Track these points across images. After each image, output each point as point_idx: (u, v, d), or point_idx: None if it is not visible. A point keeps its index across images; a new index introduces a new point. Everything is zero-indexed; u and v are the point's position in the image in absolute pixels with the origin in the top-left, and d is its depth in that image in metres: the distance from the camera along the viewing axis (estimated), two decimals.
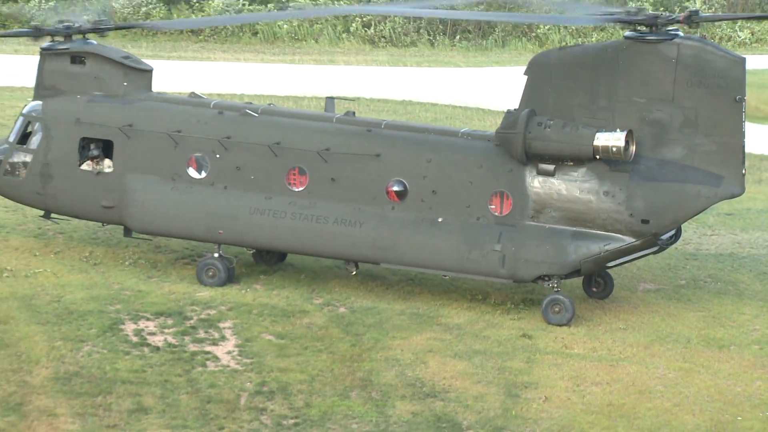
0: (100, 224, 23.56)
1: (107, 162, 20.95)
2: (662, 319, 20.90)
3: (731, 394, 18.06)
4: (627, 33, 18.46)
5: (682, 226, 19.66)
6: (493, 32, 68.29)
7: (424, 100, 50.42)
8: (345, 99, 26.45)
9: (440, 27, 76.00)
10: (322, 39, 69.33)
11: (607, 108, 18.40)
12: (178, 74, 49.45)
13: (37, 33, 21.89)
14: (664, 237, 19.31)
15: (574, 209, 18.50)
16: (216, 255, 21.43)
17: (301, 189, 19.93)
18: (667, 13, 18.51)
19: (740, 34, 68.30)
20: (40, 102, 21.59)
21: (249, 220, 20.56)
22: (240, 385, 17.67)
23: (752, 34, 68.43)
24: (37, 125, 21.18)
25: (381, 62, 64.44)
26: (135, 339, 19.18)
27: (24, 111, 21.98)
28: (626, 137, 17.27)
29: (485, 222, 19.10)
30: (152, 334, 19.53)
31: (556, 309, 19.29)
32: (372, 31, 69.94)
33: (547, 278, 18.96)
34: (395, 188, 19.47)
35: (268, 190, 20.18)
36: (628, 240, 18.28)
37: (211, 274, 21.35)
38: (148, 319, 20.10)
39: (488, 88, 52.47)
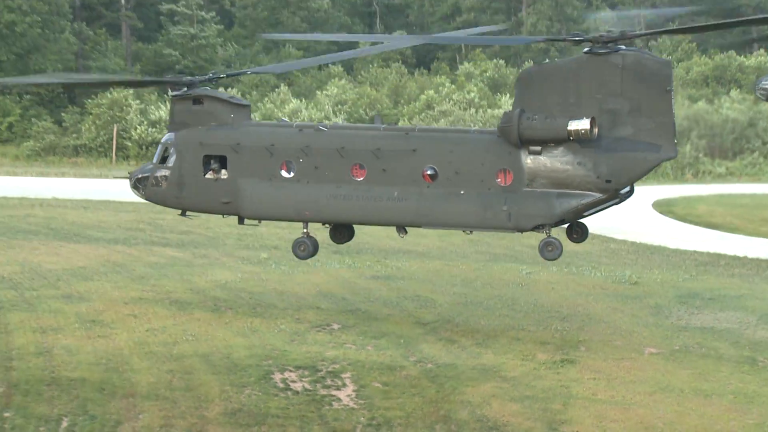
0: (253, 305, 25.27)
1: (223, 171, 23.30)
2: (662, 374, 21.20)
3: (714, 430, 18.23)
4: (585, 50, 20.60)
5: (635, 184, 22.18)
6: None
7: None
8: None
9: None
10: None
11: (575, 103, 20.37)
12: None
13: (172, 82, 24.69)
14: (622, 192, 21.37)
15: (557, 177, 21.07)
16: (304, 232, 23.21)
17: (361, 179, 21.95)
18: (606, 33, 20.92)
19: (718, 169, 63.64)
20: (173, 133, 24.00)
21: (326, 203, 22.39)
22: (356, 419, 18.30)
23: (727, 168, 64.03)
24: (171, 149, 23.56)
25: None
26: (281, 385, 19.76)
27: (162, 140, 24.30)
28: (590, 122, 19.57)
29: (494, 191, 21.27)
30: (293, 381, 20.05)
31: (549, 249, 21.12)
32: None
33: (541, 227, 21.34)
34: (429, 172, 21.54)
35: (339, 181, 22.02)
36: (597, 195, 20.69)
37: (302, 249, 23.18)
38: (290, 371, 20.56)
39: None
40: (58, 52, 75.59)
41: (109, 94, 68.93)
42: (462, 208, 21.42)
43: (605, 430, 18.63)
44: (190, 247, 34.63)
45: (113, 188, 50.18)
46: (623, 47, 20.21)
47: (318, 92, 73.35)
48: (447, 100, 68.02)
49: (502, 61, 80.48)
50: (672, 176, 59.62)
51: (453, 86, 71.64)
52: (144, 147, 67.24)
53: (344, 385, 20.09)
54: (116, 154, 66.67)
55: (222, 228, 38.70)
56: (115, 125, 66.85)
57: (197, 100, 22.96)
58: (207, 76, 24.01)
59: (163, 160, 23.72)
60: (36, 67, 72.88)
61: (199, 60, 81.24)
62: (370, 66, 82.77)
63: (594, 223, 42.77)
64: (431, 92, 69.92)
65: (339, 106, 68.53)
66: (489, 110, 64.89)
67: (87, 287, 27.06)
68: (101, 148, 67.57)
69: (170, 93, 24.37)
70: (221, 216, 25.02)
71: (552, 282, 30.21)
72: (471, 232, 24.82)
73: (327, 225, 24.34)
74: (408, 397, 19.79)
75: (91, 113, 68.79)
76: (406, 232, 23.35)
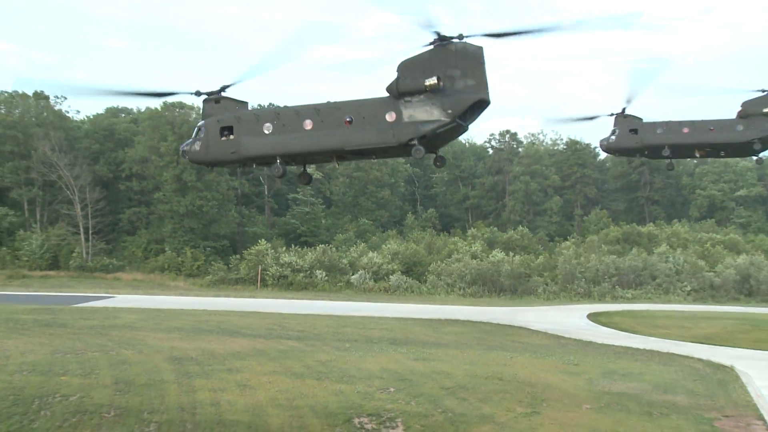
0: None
1: (231, 136, 24.16)
2: (594, 422, 20.84)
3: None
4: (434, 44, 21.18)
5: None
6: None
7: None
8: None
9: None
10: None
11: (430, 71, 20.82)
12: None
13: (197, 94, 25.00)
14: (460, 121, 21.82)
15: (421, 112, 21.47)
16: (278, 163, 23.32)
17: (310, 128, 23.07)
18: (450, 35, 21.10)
19: (627, 295, 61.36)
20: (203, 121, 25.25)
21: (290, 143, 23.69)
22: None
23: (632, 294, 61.89)
24: (203, 129, 24.56)
25: None
26: (358, 426, 19.62)
27: (198, 126, 25.33)
28: (437, 79, 20.62)
29: (385, 125, 22.43)
30: (366, 423, 19.95)
31: (416, 152, 22.18)
32: None
33: (412, 140, 22.18)
34: (348, 119, 22.90)
35: (297, 131, 23.40)
36: (445, 120, 21.87)
37: (277, 171, 24.44)
38: (364, 417, 20.41)
39: None
40: (226, 223, 77.38)
41: (256, 247, 69.94)
42: (367, 135, 22.31)
43: None
44: (303, 339, 34.64)
45: (257, 304, 51.06)
46: (456, 40, 20.99)
47: (383, 245, 73.78)
48: (460, 251, 68.25)
49: (495, 228, 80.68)
50: (598, 299, 58.90)
51: (464, 243, 72.01)
52: (277, 278, 67.09)
53: (397, 426, 19.97)
54: (260, 284, 66.70)
55: (322, 329, 38.99)
56: (259, 266, 67.63)
57: (217, 101, 24.46)
58: (218, 89, 25.29)
59: (197, 134, 24.94)
60: (214, 232, 75.26)
61: (311, 226, 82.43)
62: (413, 230, 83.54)
63: (551, 327, 42.44)
64: (451, 246, 70.38)
65: (394, 255, 68.85)
66: (486, 258, 64.63)
67: (241, 364, 27.22)
68: (251, 279, 67.67)
69: (203, 98, 25.34)
70: (238, 168, 25.76)
71: (525, 363, 29.65)
72: (375, 158, 25.36)
73: (299, 167, 25.07)
74: (438, 429, 19.65)
75: (245, 258, 69.79)
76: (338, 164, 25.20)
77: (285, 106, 24.22)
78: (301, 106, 23.90)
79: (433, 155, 23.31)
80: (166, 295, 57.51)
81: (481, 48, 21.44)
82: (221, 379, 24.27)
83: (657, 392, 25.28)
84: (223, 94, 25.52)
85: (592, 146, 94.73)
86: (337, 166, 22.39)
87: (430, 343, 34.70)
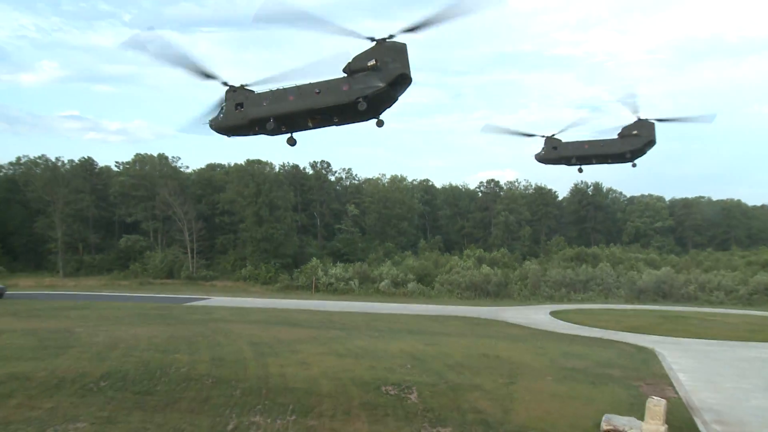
0: None
1: (242, 108, 22.23)
2: (556, 387, 20.23)
3: (575, 406, 17.48)
4: (375, 41, 19.61)
5: None
6: None
7: None
8: None
9: None
10: None
11: (370, 58, 19.47)
12: None
13: (224, 83, 23.12)
14: (394, 93, 20.13)
15: (365, 81, 20.06)
16: (271, 122, 22.29)
17: (293, 99, 21.55)
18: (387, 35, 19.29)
19: (578, 297, 59.74)
20: (225, 102, 23.09)
21: (281, 109, 21.80)
22: (417, 407, 17.84)
23: (581, 297, 60.19)
24: (223, 107, 22.82)
25: None
26: (384, 392, 19.23)
27: (220, 105, 23.40)
28: (375, 61, 19.26)
29: (342, 93, 20.55)
30: (390, 390, 19.51)
31: (360, 103, 20.04)
32: None
33: (359, 98, 20.08)
34: (317, 90, 21.05)
35: (283, 101, 21.70)
36: (381, 84, 19.57)
37: (269, 127, 22.35)
38: (389, 386, 20.13)
39: None
40: (290, 246, 76.89)
41: (310, 263, 69.02)
42: (329, 98, 20.58)
43: (543, 403, 18.22)
44: (345, 330, 34.23)
45: (312, 304, 50.91)
46: (388, 40, 19.91)
47: (403, 262, 72.07)
48: (458, 266, 67.74)
49: (483, 249, 79.74)
50: (558, 301, 57.75)
51: (460, 260, 71.46)
52: (325, 286, 65.94)
53: (412, 392, 19.76)
54: (314, 290, 65.96)
55: (358, 323, 38.68)
56: (313, 277, 67.14)
57: (234, 90, 22.93)
58: (238, 86, 23.42)
59: (218, 112, 23.73)
60: (281, 252, 74.04)
61: (350, 248, 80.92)
62: (424, 251, 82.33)
63: (524, 321, 41.62)
64: (452, 263, 69.90)
65: (410, 269, 67.82)
66: (477, 272, 63.81)
67: (300, 347, 27.05)
68: (307, 286, 67.05)
69: (226, 89, 23.69)
70: (252, 135, 23.45)
71: (505, 347, 29.24)
72: (338, 123, 22.31)
73: (288, 134, 23.08)
74: (442, 394, 19.52)
75: (303, 271, 69.30)
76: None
77: (277, 89, 23.21)
78: (288, 87, 22.98)
79: (375, 120, 21.99)
80: (247, 297, 57.59)
81: (404, 44, 20.82)
82: (286, 358, 24.31)
83: (599, 367, 25.15)
84: (239, 87, 24.58)
85: (553, 191, 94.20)
86: (310, 125, 20.21)
87: (437, 332, 34.40)
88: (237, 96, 23.51)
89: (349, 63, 20.50)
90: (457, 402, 18.92)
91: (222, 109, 23.65)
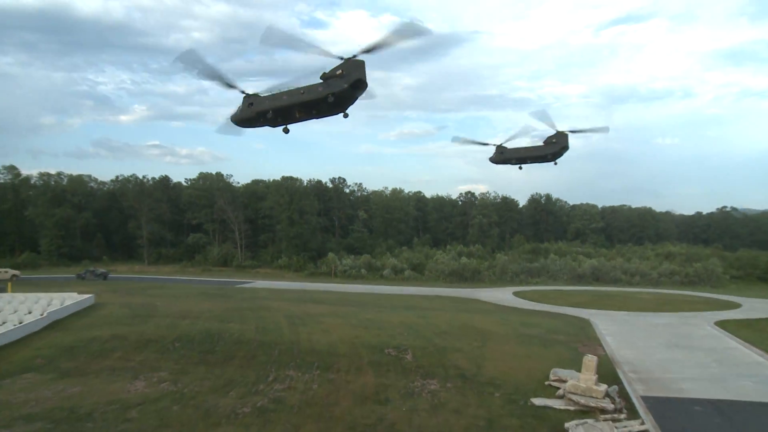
0: None
1: (252, 105, 19.07)
2: (517, 347, 19.81)
3: (529, 362, 17.35)
4: (342, 59, 16.92)
5: None
6: None
7: None
8: None
9: None
10: None
11: (341, 68, 16.68)
12: None
13: (242, 92, 19.76)
14: (355, 93, 17.40)
15: (335, 84, 16.70)
16: (270, 113, 19.18)
17: (285, 99, 18.73)
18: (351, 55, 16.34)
19: (535, 281, 57.74)
20: (242, 103, 19.77)
21: (278, 104, 18.81)
22: (412, 365, 17.64)
23: (536, 281, 58.14)
24: (240, 106, 18.96)
25: None
26: (386, 353, 18.97)
27: (240, 105, 20.30)
28: (342, 70, 16.26)
29: (318, 92, 17.51)
30: (391, 352, 19.14)
31: (331, 98, 17.47)
32: None
33: (329, 95, 16.90)
34: (302, 92, 18.29)
35: (280, 100, 18.73)
36: (345, 86, 16.77)
37: (268, 115, 19.31)
38: (390, 348, 19.78)
39: None
40: (315, 242, 74.47)
41: (330, 255, 66.48)
42: (308, 96, 18.11)
43: (507, 360, 18.09)
44: (357, 306, 33.68)
45: (332, 287, 50.18)
46: (351, 58, 17.46)
47: (401, 254, 69.10)
48: (443, 258, 66.91)
49: (462, 245, 78.34)
50: (519, 284, 57.25)
51: (445, 253, 70.48)
52: (342, 272, 63.56)
53: (408, 353, 19.74)
54: (333, 276, 63.93)
55: (367, 300, 37.69)
56: (332, 265, 65.22)
57: (248, 95, 20.76)
58: (252, 93, 20.80)
59: (239, 110, 21.60)
60: (309, 247, 71.70)
61: (361, 244, 77.78)
62: (417, 246, 77.39)
63: (493, 299, 41.31)
64: (438, 255, 68.86)
65: (407, 260, 66.17)
66: (458, 262, 63.06)
67: (323, 319, 26.72)
68: (328, 273, 64.96)
69: (243, 95, 21.27)
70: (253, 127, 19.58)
71: (479, 319, 29.00)
72: (317, 115, 18.66)
73: (284, 126, 20.20)
74: (431, 355, 19.45)
75: (325, 262, 67.20)
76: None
77: (276, 92, 20.75)
78: (284, 91, 20.66)
79: (343, 114, 19.24)
80: (283, 281, 56.80)
81: (363, 60, 18.90)
82: (312, 327, 24.27)
83: (549, 333, 25.13)
84: (251, 94, 22.31)
85: (515, 200, 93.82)
86: (297, 116, 17.62)
87: (427, 308, 34.09)
88: (249, 98, 22.43)
89: (325, 72, 19.15)
90: (442, 360, 18.90)
91: (239, 108, 22.60)
